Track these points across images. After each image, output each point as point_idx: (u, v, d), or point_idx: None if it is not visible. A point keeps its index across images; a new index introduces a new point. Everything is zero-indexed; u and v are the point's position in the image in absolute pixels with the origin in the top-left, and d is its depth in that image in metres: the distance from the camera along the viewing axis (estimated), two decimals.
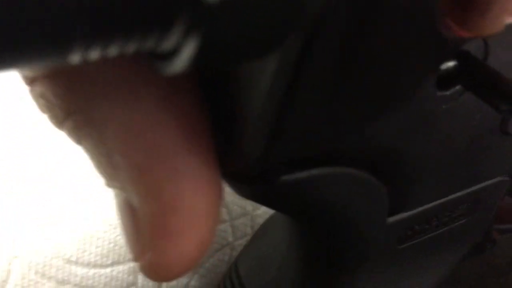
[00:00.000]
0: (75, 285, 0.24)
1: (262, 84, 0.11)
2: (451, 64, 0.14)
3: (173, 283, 0.26)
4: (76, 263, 0.24)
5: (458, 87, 0.15)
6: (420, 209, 0.18)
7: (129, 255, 0.14)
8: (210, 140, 0.13)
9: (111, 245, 0.25)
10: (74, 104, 0.12)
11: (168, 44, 0.09)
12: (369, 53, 0.11)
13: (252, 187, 0.14)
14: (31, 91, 0.12)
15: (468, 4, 0.12)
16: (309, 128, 0.12)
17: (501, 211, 0.25)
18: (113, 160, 0.13)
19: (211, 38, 0.08)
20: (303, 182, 0.14)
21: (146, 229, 0.13)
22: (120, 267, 0.25)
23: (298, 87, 0.11)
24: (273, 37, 0.09)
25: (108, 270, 0.24)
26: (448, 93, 0.14)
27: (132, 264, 0.25)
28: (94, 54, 0.09)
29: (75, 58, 0.08)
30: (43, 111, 0.13)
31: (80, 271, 0.24)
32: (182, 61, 0.09)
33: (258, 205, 0.29)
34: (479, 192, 0.19)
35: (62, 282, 0.23)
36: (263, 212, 0.29)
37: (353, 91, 0.12)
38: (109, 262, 0.24)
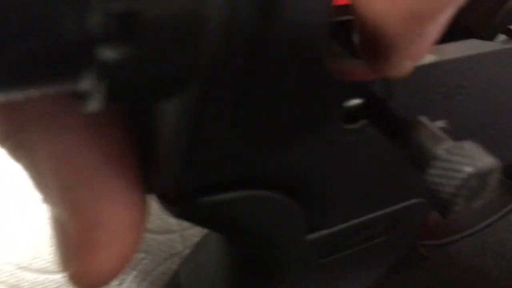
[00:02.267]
0: None
1: (170, 121, 0.12)
2: (357, 101, 0.16)
3: None
4: (27, 268, 0.25)
5: (364, 121, 0.16)
6: (338, 227, 0.19)
7: None
8: (134, 164, 0.14)
9: None
10: (10, 129, 0.14)
11: (82, 87, 0.11)
12: (262, 95, 0.13)
13: (173, 207, 0.15)
14: None
15: (371, 49, 0.14)
16: (217, 158, 0.14)
17: (430, 227, 0.27)
18: (44, 181, 0.14)
19: (116, 85, 0.10)
20: (221, 204, 0.15)
21: (72, 243, 0.14)
22: None
23: (201, 124, 0.12)
24: (172, 85, 0.11)
25: (58, 276, 0.25)
26: (355, 126, 0.16)
27: None
28: (15, 96, 0.10)
29: None
30: None
31: (31, 276, 0.25)
32: (95, 102, 0.11)
33: None
34: (396, 212, 0.21)
35: (13, 286, 0.25)
36: None
37: (253, 126, 0.13)
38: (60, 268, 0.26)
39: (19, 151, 0.14)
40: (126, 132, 0.14)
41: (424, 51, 0.14)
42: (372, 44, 0.13)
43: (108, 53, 0.09)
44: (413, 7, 0.12)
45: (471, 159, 0.13)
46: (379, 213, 0.20)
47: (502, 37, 0.21)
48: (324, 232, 0.19)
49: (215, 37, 0.10)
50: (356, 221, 0.20)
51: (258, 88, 0.12)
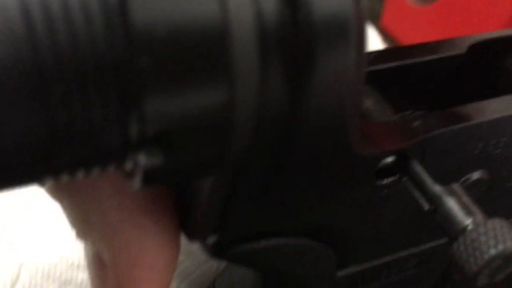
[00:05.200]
0: (76, 285, 0.27)
1: (206, 193, 0.13)
2: (390, 159, 0.16)
3: None
4: (78, 267, 0.27)
5: (397, 176, 0.17)
6: (367, 264, 0.20)
7: None
8: (172, 205, 0.15)
9: None
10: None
11: (127, 167, 0.12)
12: (294, 173, 0.13)
13: (211, 252, 0.16)
14: None
15: None
16: (250, 220, 0.15)
17: None
18: (90, 219, 0.15)
19: (151, 176, 0.11)
20: (253, 251, 0.16)
21: (112, 281, 0.15)
22: None
23: (232, 198, 0.13)
24: (205, 173, 0.12)
25: None
26: (387, 182, 0.17)
27: None
28: (64, 179, 0.11)
29: (48, 181, 0.11)
30: None
31: (82, 275, 0.27)
32: (136, 183, 0.11)
33: None
34: (428, 250, 0.21)
35: (65, 283, 0.27)
36: None
37: (284, 198, 0.14)
38: None
39: (65, 191, 0.15)
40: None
41: None
42: None
43: (142, 158, 0.10)
44: None
45: (497, 241, 0.13)
46: (409, 251, 0.21)
47: None
48: (354, 268, 0.20)
49: (245, 132, 0.11)
50: (385, 258, 0.20)
51: (289, 167, 0.13)
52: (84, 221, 0.15)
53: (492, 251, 0.13)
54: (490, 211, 0.22)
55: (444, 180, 0.17)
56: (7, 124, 0.09)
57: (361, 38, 0.11)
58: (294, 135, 0.12)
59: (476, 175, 0.18)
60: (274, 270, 0.18)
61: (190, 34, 0.09)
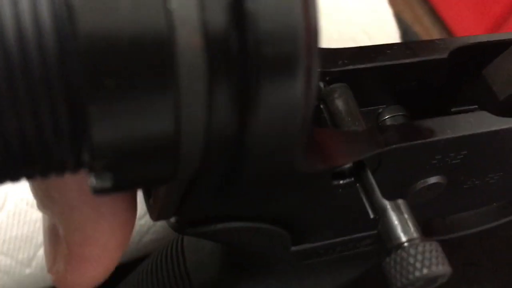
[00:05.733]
0: None
1: (161, 192, 0.14)
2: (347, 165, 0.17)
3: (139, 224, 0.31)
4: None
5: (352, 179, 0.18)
6: (322, 242, 0.21)
7: None
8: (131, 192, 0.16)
9: None
10: None
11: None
12: (245, 182, 0.14)
13: (172, 229, 0.17)
14: None
15: None
16: (206, 210, 0.16)
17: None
18: (51, 194, 0.16)
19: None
20: (211, 231, 0.17)
21: (65, 253, 0.16)
22: None
23: (188, 195, 0.14)
24: (154, 185, 0.13)
25: None
26: (343, 182, 0.17)
27: None
28: (22, 180, 0.12)
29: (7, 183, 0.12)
30: None
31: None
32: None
33: None
34: None
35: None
36: None
37: (239, 198, 0.15)
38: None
39: None
40: None
41: None
42: None
43: (93, 181, 0.11)
44: None
45: (423, 264, 0.14)
46: (363, 234, 0.22)
47: None
48: (308, 245, 0.21)
49: (193, 156, 0.12)
50: (339, 239, 0.22)
51: (242, 177, 0.14)
52: (45, 195, 0.16)
53: (416, 273, 0.14)
54: (449, 206, 0.23)
55: (400, 183, 0.18)
56: None
57: (310, 68, 0.11)
58: (243, 156, 0.13)
59: (433, 179, 0.19)
60: (231, 244, 0.20)
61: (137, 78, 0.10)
